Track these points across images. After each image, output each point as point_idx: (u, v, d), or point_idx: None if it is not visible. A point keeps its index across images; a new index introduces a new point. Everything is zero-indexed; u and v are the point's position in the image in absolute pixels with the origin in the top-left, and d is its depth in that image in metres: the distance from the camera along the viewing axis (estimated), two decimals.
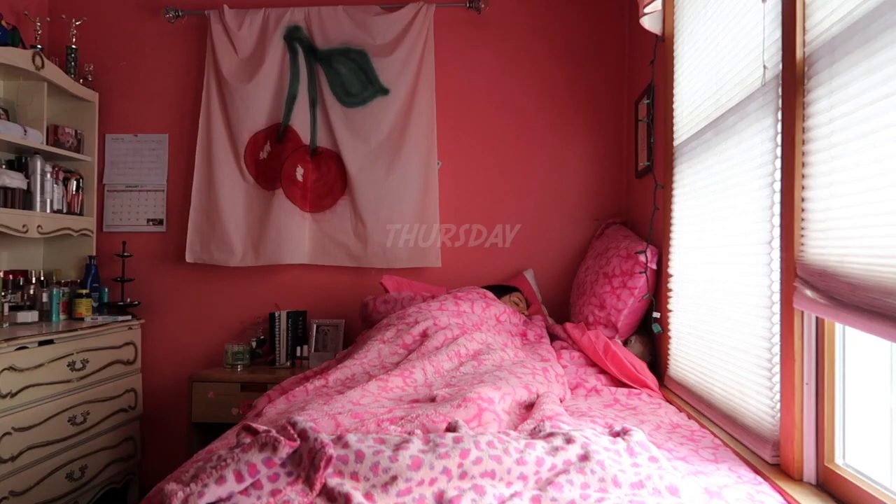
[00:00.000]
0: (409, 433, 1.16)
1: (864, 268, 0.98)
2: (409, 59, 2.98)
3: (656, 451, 1.10)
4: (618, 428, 1.22)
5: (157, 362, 3.13)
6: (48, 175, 2.79)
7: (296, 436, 1.01)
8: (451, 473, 0.98)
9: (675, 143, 2.12)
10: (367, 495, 0.94)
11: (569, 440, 1.10)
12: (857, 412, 1.17)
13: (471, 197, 3.06)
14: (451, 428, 1.18)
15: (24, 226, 2.62)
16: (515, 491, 0.98)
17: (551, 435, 1.14)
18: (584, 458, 1.05)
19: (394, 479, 0.96)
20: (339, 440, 1.03)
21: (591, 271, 2.52)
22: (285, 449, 0.97)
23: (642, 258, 2.21)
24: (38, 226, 2.70)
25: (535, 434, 1.18)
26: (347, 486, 0.95)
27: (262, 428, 1.03)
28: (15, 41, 2.64)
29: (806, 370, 1.21)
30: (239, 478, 0.92)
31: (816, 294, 1.11)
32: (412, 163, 2.97)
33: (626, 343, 2.27)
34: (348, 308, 3.03)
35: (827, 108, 1.12)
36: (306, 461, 0.97)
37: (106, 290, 3.05)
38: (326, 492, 0.94)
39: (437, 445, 1.03)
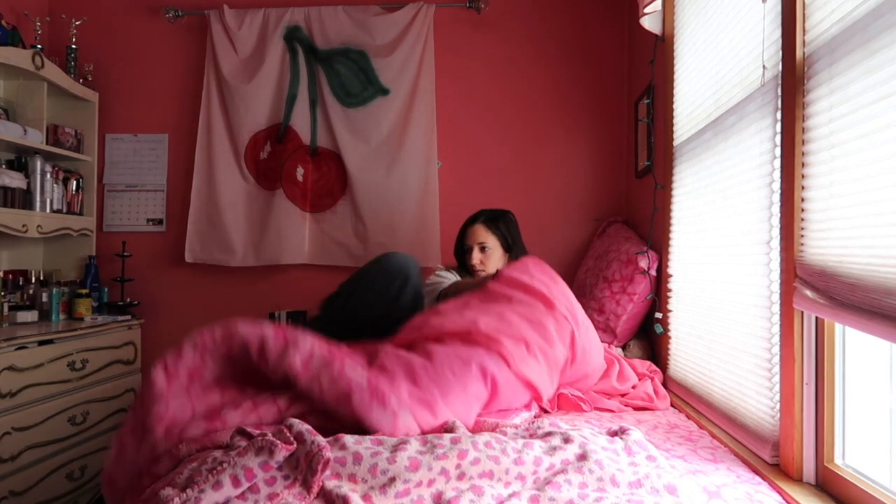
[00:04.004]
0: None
1: (864, 268, 0.97)
2: (409, 59, 2.98)
3: (654, 451, 1.10)
4: (615, 427, 1.22)
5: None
6: (48, 175, 2.79)
7: (292, 438, 1.00)
8: (450, 474, 0.98)
9: (675, 142, 2.12)
10: (366, 497, 0.94)
11: (567, 440, 1.10)
12: (857, 412, 1.16)
13: (471, 197, 3.05)
14: (449, 428, 1.18)
15: (23, 225, 2.62)
16: (513, 491, 0.98)
17: (549, 434, 1.14)
18: (582, 457, 1.04)
19: (392, 480, 0.95)
20: (336, 441, 1.03)
21: (591, 273, 2.51)
22: (282, 452, 0.97)
23: (643, 263, 2.20)
24: (38, 225, 2.70)
25: (532, 433, 1.17)
26: (345, 488, 0.95)
27: (255, 432, 1.03)
28: (15, 41, 2.64)
29: (806, 370, 1.21)
30: (235, 482, 0.92)
31: (816, 294, 1.10)
32: (412, 163, 2.97)
33: (624, 347, 2.27)
34: None
35: (826, 108, 1.11)
36: (303, 464, 0.96)
37: (106, 289, 3.05)
38: (324, 494, 0.94)
39: (435, 446, 1.02)
